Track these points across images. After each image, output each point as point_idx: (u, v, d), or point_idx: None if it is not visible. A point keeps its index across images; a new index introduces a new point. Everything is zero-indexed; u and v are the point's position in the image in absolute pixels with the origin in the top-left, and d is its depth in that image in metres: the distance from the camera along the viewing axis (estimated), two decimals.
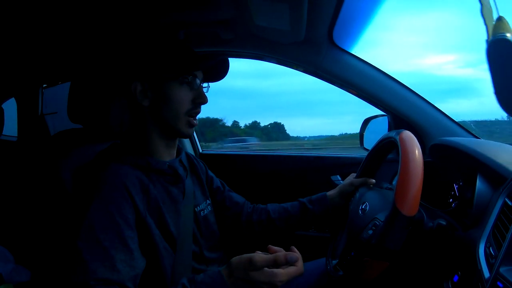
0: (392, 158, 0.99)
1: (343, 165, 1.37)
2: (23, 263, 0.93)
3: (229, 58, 0.89)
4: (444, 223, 0.65)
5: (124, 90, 0.78)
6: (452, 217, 0.73)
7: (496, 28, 0.61)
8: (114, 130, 0.86)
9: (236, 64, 0.89)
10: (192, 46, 0.83)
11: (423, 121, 1.10)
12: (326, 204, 0.96)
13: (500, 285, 0.50)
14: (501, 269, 0.51)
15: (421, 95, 1.12)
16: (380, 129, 1.22)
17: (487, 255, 0.57)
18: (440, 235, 0.65)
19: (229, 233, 0.97)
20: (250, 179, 1.45)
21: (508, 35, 0.57)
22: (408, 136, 0.69)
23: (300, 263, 0.65)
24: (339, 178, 1.34)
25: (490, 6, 0.61)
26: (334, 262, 0.77)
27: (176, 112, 0.77)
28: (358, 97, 1.16)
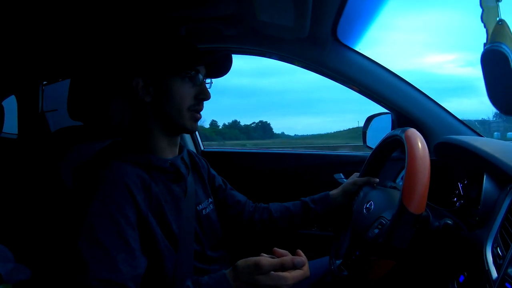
0: (395, 157, 0.98)
1: (346, 163, 1.36)
2: (23, 261, 0.93)
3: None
4: (451, 223, 0.64)
5: (125, 86, 0.77)
6: (457, 217, 0.73)
7: (495, 33, 0.60)
8: (115, 127, 0.85)
9: (234, 62, 0.87)
10: (193, 43, 0.82)
11: (427, 119, 1.09)
12: (328, 204, 0.95)
13: (509, 286, 0.49)
14: (510, 270, 0.51)
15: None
16: (383, 127, 1.21)
17: (494, 256, 0.56)
18: (447, 235, 0.64)
19: (230, 232, 0.97)
20: (252, 177, 1.44)
21: (504, 46, 0.57)
22: (414, 133, 0.68)
23: (306, 266, 0.64)
24: (342, 176, 1.33)
25: (492, 9, 0.61)
26: (338, 262, 0.76)
27: (178, 108, 0.76)
28: (362, 94, 1.15)
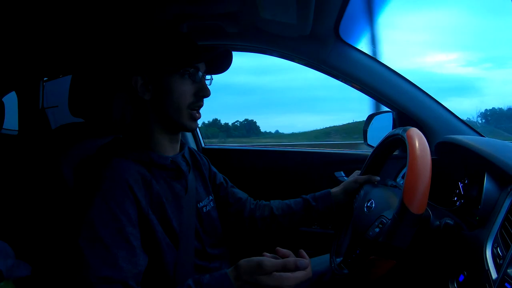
0: (396, 155, 0.98)
1: (347, 162, 1.36)
2: (23, 258, 0.93)
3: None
4: (451, 222, 0.64)
5: (125, 83, 0.77)
6: (457, 216, 0.73)
7: None
8: (115, 124, 0.85)
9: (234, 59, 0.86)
10: (195, 40, 0.81)
11: (428, 118, 1.09)
12: (330, 201, 0.95)
13: (508, 286, 0.50)
14: (509, 270, 0.51)
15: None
16: (384, 126, 1.21)
17: (494, 256, 0.57)
18: (447, 234, 0.64)
19: (231, 230, 0.97)
20: (253, 174, 1.44)
21: None
22: (416, 133, 0.68)
23: (309, 267, 0.64)
24: (343, 174, 1.33)
25: None
26: (338, 260, 0.76)
27: (178, 106, 0.76)
28: (363, 92, 1.15)
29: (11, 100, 1.34)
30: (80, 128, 0.94)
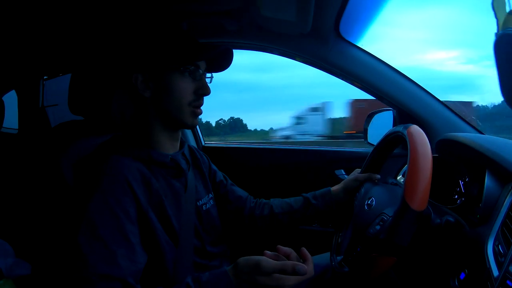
0: (397, 153, 0.98)
1: (347, 159, 1.36)
2: (23, 256, 0.93)
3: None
4: (452, 220, 0.64)
5: (125, 81, 0.77)
6: (458, 214, 0.73)
7: (506, 22, 0.60)
8: (115, 122, 0.85)
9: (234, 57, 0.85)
10: (195, 38, 0.81)
11: (429, 116, 1.09)
12: (330, 200, 0.95)
13: (510, 283, 0.50)
14: (511, 268, 0.51)
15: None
16: (384, 124, 1.21)
17: (496, 253, 0.57)
18: (448, 231, 0.64)
19: (231, 228, 0.97)
20: (254, 172, 1.44)
21: None
22: (417, 130, 0.68)
23: (310, 266, 0.64)
24: (343, 173, 1.33)
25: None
26: (339, 258, 0.76)
27: (178, 103, 0.75)
28: (363, 90, 1.15)
29: (11, 98, 1.34)
30: (80, 126, 0.93)
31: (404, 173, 1.09)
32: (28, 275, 0.91)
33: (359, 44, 1.11)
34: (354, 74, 1.11)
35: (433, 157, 0.63)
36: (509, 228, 0.57)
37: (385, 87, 1.10)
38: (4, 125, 1.19)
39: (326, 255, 0.93)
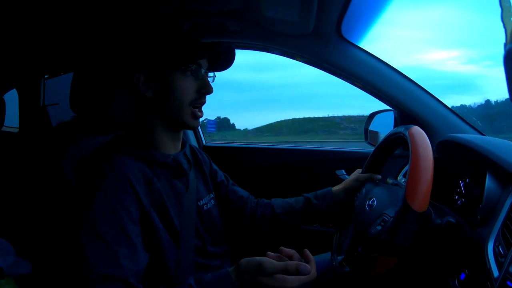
0: (397, 154, 0.98)
1: (348, 160, 1.36)
2: (24, 255, 0.93)
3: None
4: (453, 220, 0.64)
5: (127, 81, 0.77)
6: (459, 215, 0.73)
7: None
8: (117, 122, 0.85)
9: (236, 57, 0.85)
10: (197, 37, 0.81)
11: (430, 117, 1.09)
12: (331, 200, 0.95)
13: (510, 284, 0.50)
14: (511, 268, 0.51)
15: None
16: (385, 124, 1.21)
17: (496, 254, 0.57)
18: (449, 232, 0.64)
19: (232, 228, 0.97)
20: (255, 172, 1.44)
21: None
22: (418, 131, 0.68)
23: (313, 268, 0.63)
24: (344, 173, 1.33)
25: (511, 10, 0.60)
26: (339, 258, 0.76)
27: (180, 103, 0.75)
28: (365, 91, 1.15)
29: (12, 97, 1.34)
30: (81, 126, 0.93)
31: (405, 173, 1.09)
32: (29, 274, 0.91)
33: (361, 45, 1.11)
34: (355, 75, 1.11)
35: (434, 158, 0.63)
36: (509, 229, 0.57)
37: (387, 88, 1.10)
38: (5, 124, 1.19)
39: (327, 255, 0.93)
